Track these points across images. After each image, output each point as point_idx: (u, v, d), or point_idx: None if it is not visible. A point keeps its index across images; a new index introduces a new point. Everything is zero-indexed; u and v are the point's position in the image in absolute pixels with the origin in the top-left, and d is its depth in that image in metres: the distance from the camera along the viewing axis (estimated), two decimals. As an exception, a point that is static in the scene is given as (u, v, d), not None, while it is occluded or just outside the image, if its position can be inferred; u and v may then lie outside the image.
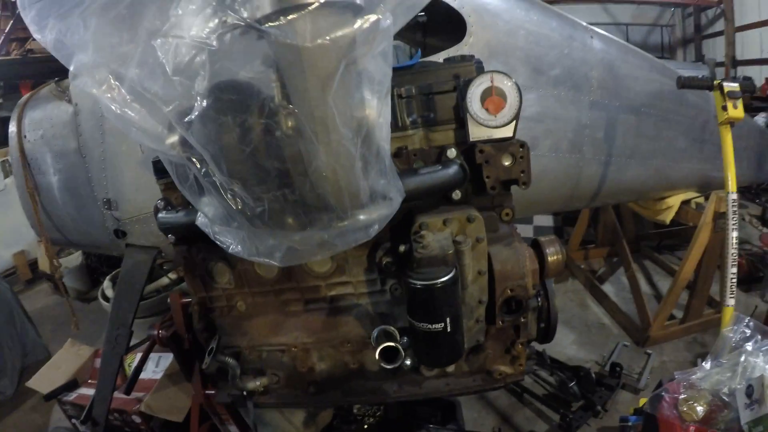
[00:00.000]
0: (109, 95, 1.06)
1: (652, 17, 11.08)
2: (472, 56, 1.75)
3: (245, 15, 0.90)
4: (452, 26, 2.62)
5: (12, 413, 4.26)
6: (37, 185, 2.86)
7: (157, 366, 3.12)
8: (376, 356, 1.45)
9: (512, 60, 2.63)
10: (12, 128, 2.88)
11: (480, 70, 1.70)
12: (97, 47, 1.03)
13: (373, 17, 0.95)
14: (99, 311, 5.41)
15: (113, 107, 1.07)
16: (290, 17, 0.88)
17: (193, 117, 1.04)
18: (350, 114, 1.09)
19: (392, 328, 1.56)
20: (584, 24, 3.03)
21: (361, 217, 1.25)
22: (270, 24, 0.89)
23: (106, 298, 4.51)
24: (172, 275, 4.22)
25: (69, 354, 3.58)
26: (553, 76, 2.75)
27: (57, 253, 3.32)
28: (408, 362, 1.56)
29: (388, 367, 1.45)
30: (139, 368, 2.40)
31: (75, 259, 6.08)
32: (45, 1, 1.03)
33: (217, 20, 0.93)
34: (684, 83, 2.97)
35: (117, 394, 2.84)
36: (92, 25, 1.01)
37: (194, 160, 1.14)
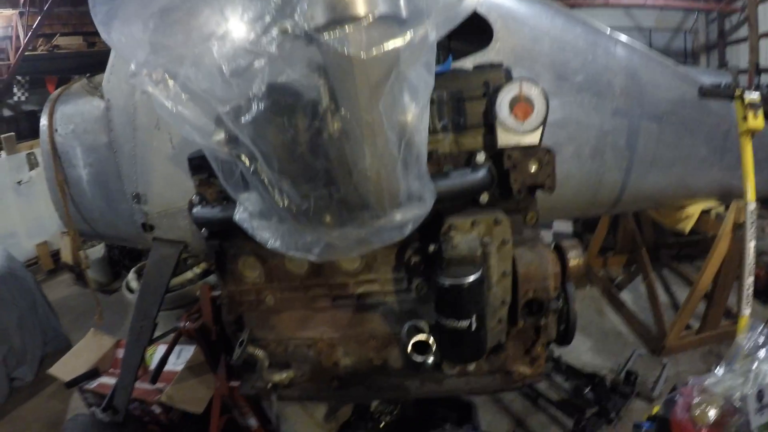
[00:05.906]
0: (165, 93, 1.12)
1: (675, 22, 10.94)
2: (501, 63, 1.79)
3: (303, 25, 0.95)
4: (477, 31, 2.65)
5: (31, 399, 4.37)
6: (66, 178, 2.92)
7: (179, 358, 3.17)
8: (408, 349, 1.50)
9: (537, 66, 2.65)
10: (43, 122, 2.93)
11: (509, 77, 1.74)
12: (155, 48, 1.09)
13: (422, 31, 1.00)
14: (119, 303, 5.50)
15: (168, 105, 1.12)
16: (345, 29, 0.93)
17: (249, 117, 1.09)
18: (396, 120, 1.14)
19: (423, 322, 1.60)
20: (608, 31, 3.04)
21: (397, 216, 1.31)
22: (326, 34, 0.94)
23: (131, 290, 4.59)
24: (197, 269, 4.28)
25: (91, 343, 3.64)
26: (577, 83, 2.76)
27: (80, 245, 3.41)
28: (431, 360, 1.60)
29: (419, 359, 1.49)
30: (165, 358, 2.46)
31: (98, 251, 6.20)
32: (113, 3, 1.09)
33: (275, 29, 0.98)
34: (705, 92, 2.96)
35: (138, 384, 2.88)
36: (151, 26, 1.07)
37: (244, 158, 1.20)
